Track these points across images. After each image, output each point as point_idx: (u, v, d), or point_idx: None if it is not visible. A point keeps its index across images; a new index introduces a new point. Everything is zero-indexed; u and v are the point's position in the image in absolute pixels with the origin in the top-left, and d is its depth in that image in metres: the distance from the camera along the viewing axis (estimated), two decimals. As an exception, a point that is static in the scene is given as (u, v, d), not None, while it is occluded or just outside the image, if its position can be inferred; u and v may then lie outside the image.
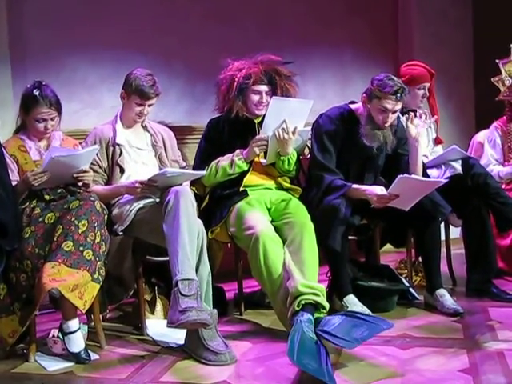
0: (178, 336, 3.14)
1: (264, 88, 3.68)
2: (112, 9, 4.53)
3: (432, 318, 3.50)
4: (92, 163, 3.35)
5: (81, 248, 2.99)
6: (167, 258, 3.06)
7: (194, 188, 3.62)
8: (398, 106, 3.53)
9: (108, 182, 3.51)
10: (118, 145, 3.52)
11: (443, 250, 3.87)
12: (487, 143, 4.48)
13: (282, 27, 5.18)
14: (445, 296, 3.59)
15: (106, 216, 3.20)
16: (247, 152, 3.60)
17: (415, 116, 3.75)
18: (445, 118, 5.11)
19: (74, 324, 3.03)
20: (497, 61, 4.48)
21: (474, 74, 5.96)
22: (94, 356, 3.06)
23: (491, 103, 4.56)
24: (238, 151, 3.62)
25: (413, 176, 3.47)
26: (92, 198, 3.12)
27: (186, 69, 4.83)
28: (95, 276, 3.02)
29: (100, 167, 3.49)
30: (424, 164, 3.80)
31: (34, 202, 3.17)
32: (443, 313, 3.53)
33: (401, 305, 3.70)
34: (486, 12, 5.79)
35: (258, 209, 3.50)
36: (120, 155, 3.51)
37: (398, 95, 3.47)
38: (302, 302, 3.07)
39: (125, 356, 3.10)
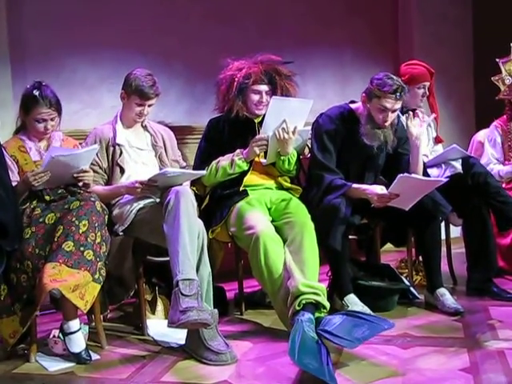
0: (179, 336, 3.14)
1: (264, 88, 3.68)
2: (112, 9, 4.53)
3: (432, 317, 3.50)
4: (92, 163, 3.36)
5: (81, 248, 2.99)
6: (168, 258, 3.06)
7: (194, 188, 3.63)
8: (398, 105, 3.53)
9: (108, 183, 3.51)
10: (118, 145, 3.52)
11: (444, 249, 3.87)
12: (487, 142, 4.48)
13: (282, 27, 5.18)
14: (445, 295, 3.59)
15: (107, 216, 3.20)
16: (247, 152, 3.60)
17: (413, 116, 3.74)
18: (445, 117, 5.11)
19: (74, 324, 3.03)
20: (497, 60, 4.48)
21: (473, 73, 5.96)
22: (94, 356, 3.06)
23: (491, 102, 4.56)
24: (238, 151, 3.62)
25: (413, 175, 3.47)
26: (92, 199, 3.12)
27: (185, 69, 4.83)
28: (96, 276, 3.02)
29: (100, 167, 3.49)
30: (424, 163, 3.80)
31: (34, 202, 3.18)
32: (444, 312, 3.53)
33: (401, 304, 3.70)
34: (485, 11, 5.79)
35: (258, 208, 3.51)
36: (120, 155, 3.51)
37: (398, 94, 3.47)
38: (303, 302, 3.08)
39: (126, 356, 3.10)
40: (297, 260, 3.24)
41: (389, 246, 4.17)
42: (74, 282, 2.91)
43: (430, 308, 3.63)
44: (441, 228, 3.74)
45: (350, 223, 3.52)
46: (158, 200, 3.35)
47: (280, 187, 3.74)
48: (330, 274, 3.66)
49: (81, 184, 3.25)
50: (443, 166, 3.99)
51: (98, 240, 3.07)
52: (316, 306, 3.11)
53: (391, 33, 5.80)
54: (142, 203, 3.39)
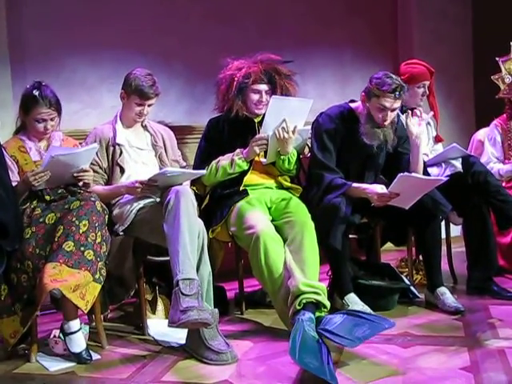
0: (180, 336, 3.14)
1: (264, 87, 3.68)
2: (112, 9, 4.53)
3: (433, 316, 3.50)
4: (92, 163, 3.36)
5: (82, 248, 2.99)
6: (168, 258, 3.06)
7: (194, 188, 3.63)
8: (397, 104, 3.53)
9: (108, 182, 3.51)
10: (118, 145, 3.52)
11: (444, 248, 3.87)
12: (487, 141, 4.48)
13: (282, 27, 5.18)
14: (446, 294, 3.60)
15: (107, 216, 3.20)
16: (247, 151, 3.60)
17: (412, 114, 3.74)
18: (445, 116, 5.11)
19: (74, 324, 3.03)
20: (497, 59, 4.48)
21: (473, 72, 5.96)
22: (95, 356, 3.06)
23: (491, 101, 4.56)
24: (238, 150, 3.62)
25: (413, 174, 3.47)
26: (93, 199, 3.12)
27: (185, 69, 4.83)
28: (96, 276, 3.02)
29: (100, 167, 3.49)
30: (424, 162, 3.80)
31: (34, 202, 3.18)
32: (444, 311, 3.53)
33: (402, 303, 3.70)
34: (485, 10, 5.79)
35: (258, 208, 3.51)
36: (120, 155, 3.51)
37: (397, 93, 3.47)
38: (303, 301, 3.08)
39: (126, 356, 3.11)
40: (297, 259, 3.24)
41: (389, 245, 4.17)
42: (75, 281, 2.91)
43: (431, 307, 3.63)
44: (441, 227, 3.74)
45: (350, 222, 3.52)
46: (158, 200, 3.35)
47: (280, 187, 3.74)
48: (330, 273, 3.66)
49: (81, 184, 3.25)
50: (443, 164, 3.99)
51: (99, 240, 3.07)
52: (316, 306, 3.12)
53: (391, 32, 5.80)
54: (142, 203, 3.39)
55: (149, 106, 3.52)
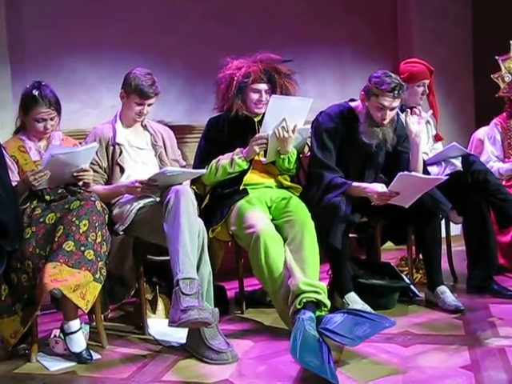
0: (180, 335, 3.14)
1: (263, 86, 3.68)
2: (111, 9, 4.53)
3: (433, 314, 3.50)
4: (92, 163, 3.36)
5: (82, 248, 2.99)
6: (168, 258, 3.06)
7: (194, 187, 3.63)
8: (396, 103, 3.52)
9: (108, 182, 3.51)
10: (118, 144, 3.52)
11: (444, 246, 3.87)
12: (487, 140, 4.48)
13: (282, 26, 5.18)
14: (446, 293, 3.60)
15: (107, 216, 3.20)
16: (247, 150, 3.60)
17: (411, 113, 3.73)
18: (444, 115, 5.12)
19: (74, 324, 3.03)
20: (496, 57, 4.48)
21: (473, 71, 5.96)
22: (95, 356, 3.06)
23: (491, 100, 4.56)
24: (237, 150, 3.62)
25: (413, 173, 3.47)
26: (93, 198, 3.12)
27: (185, 68, 4.83)
28: (97, 276, 3.02)
29: (100, 167, 3.49)
30: (424, 161, 3.80)
31: (34, 202, 3.18)
32: (444, 310, 3.53)
33: (402, 302, 3.70)
34: (485, 9, 5.79)
35: (258, 207, 3.51)
36: (120, 155, 3.51)
37: (396, 92, 3.47)
38: (304, 300, 3.08)
39: (126, 355, 3.11)
40: (297, 258, 3.24)
41: (389, 244, 4.17)
42: (75, 281, 2.91)
43: (431, 306, 3.63)
44: (441, 226, 3.74)
45: (350, 221, 3.52)
46: (158, 199, 3.35)
47: (280, 186, 3.74)
48: (330, 272, 3.66)
49: (81, 183, 3.25)
50: (443, 163, 3.99)
51: (99, 240, 3.07)
52: (317, 305, 3.12)
53: (390, 31, 5.80)
54: (142, 202, 3.39)
55: (148, 105, 3.52)
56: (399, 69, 4.16)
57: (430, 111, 4.03)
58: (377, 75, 3.52)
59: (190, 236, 3.02)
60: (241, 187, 3.63)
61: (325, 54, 5.47)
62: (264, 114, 3.63)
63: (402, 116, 3.76)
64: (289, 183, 3.76)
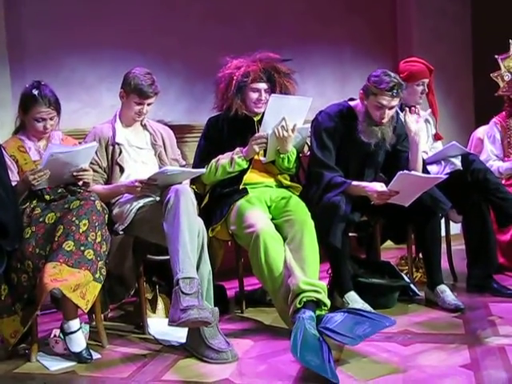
0: (180, 334, 3.14)
1: (263, 86, 3.68)
2: (111, 8, 4.53)
3: (433, 313, 3.50)
4: (91, 162, 3.36)
5: (82, 248, 2.99)
6: (168, 257, 3.06)
7: (194, 186, 3.63)
8: (395, 102, 3.52)
9: (108, 182, 3.51)
10: (118, 144, 3.52)
11: (443, 245, 3.87)
12: (487, 139, 4.48)
13: (282, 26, 5.18)
14: (446, 292, 3.60)
15: (107, 215, 3.20)
16: (247, 150, 3.61)
17: (410, 112, 3.73)
18: (444, 114, 5.12)
19: (74, 324, 3.03)
20: (496, 56, 4.48)
21: (473, 70, 5.96)
22: (95, 355, 3.06)
23: (490, 99, 4.56)
24: (237, 149, 3.62)
25: (413, 172, 3.47)
26: (92, 198, 3.12)
27: (185, 68, 4.83)
28: (97, 276, 3.02)
29: (100, 166, 3.49)
30: (424, 160, 3.80)
31: (34, 202, 3.18)
32: (444, 309, 3.53)
33: (402, 301, 3.70)
34: (484, 7, 5.79)
35: (258, 207, 3.51)
36: (120, 154, 3.51)
37: (394, 91, 3.46)
38: (304, 300, 3.08)
39: (126, 355, 3.11)
40: (297, 258, 3.24)
41: (389, 243, 4.17)
42: (75, 281, 2.91)
43: (431, 305, 3.63)
44: (441, 225, 3.74)
45: (350, 221, 3.52)
46: (157, 199, 3.35)
47: (280, 185, 3.74)
48: (330, 271, 3.66)
49: (80, 183, 3.25)
50: (443, 162, 3.99)
51: (99, 239, 3.07)
52: (317, 304, 3.12)
53: (390, 30, 5.80)
54: (141, 202, 3.39)
55: (148, 104, 3.52)
56: (399, 68, 4.15)
57: (429, 110, 4.03)
58: (376, 74, 3.52)
59: (190, 235, 3.02)
60: (240, 186, 3.63)
61: (324, 53, 5.47)
62: (263, 113, 3.63)
63: (402, 115, 3.76)
64: (288, 182, 3.76)
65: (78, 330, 3.03)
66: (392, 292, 3.66)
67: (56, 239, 2.99)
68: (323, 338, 2.87)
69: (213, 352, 2.94)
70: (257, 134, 3.61)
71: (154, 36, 4.61)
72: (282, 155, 3.63)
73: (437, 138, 4.32)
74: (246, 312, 3.68)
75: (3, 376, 2.91)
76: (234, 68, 3.69)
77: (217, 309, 3.03)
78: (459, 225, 4.17)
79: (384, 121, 3.55)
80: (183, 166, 3.71)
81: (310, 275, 3.18)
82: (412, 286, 3.79)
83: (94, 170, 3.41)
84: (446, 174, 3.80)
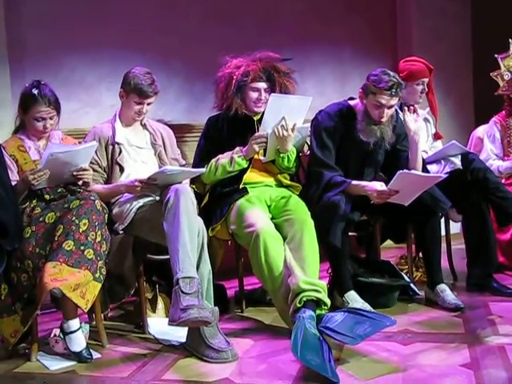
0: (180, 334, 3.14)
1: (262, 85, 3.68)
2: (110, 8, 4.52)
3: (433, 313, 3.50)
4: (91, 162, 3.36)
5: (82, 247, 2.99)
6: (168, 257, 3.06)
7: (193, 186, 3.63)
8: (394, 101, 3.52)
9: (108, 181, 3.51)
10: (118, 143, 3.52)
11: (443, 245, 3.86)
12: (486, 138, 4.48)
13: (282, 25, 5.17)
14: (445, 291, 3.60)
15: (107, 215, 3.20)
16: (246, 149, 3.61)
17: (408, 111, 3.73)
18: (444, 113, 5.12)
19: (74, 323, 3.03)
20: (496, 55, 4.48)
21: (472, 69, 5.97)
22: (95, 355, 3.06)
23: (490, 98, 4.57)
24: (237, 149, 3.62)
25: (412, 171, 3.47)
26: (92, 197, 3.12)
27: (184, 67, 4.83)
28: (96, 275, 3.02)
29: (99, 166, 3.49)
30: (424, 159, 3.80)
31: (34, 201, 3.18)
32: (444, 308, 3.53)
33: (402, 300, 3.70)
34: (484, 7, 5.80)
35: (258, 206, 3.51)
36: (119, 154, 3.51)
37: (393, 90, 3.46)
38: (304, 299, 3.08)
39: (127, 354, 3.11)
40: (297, 257, 3.24)
41: (389, 242, 4.17)
42: (75, 281, 2.91)
43: (431, 304, 3.63)
44: (440, 224, 3.74)
45: (350, 220, 3.52)
46: (157, 198, 3.35)
47: (280, 184, 3.74)
48: (330, 270, 3.66)
49: (80, 183, 3.25)
50: (442, 162, 4.00)
51: (99, 239, 3.07)
52: (317, 303, 3.12)
53: (390, 30, 5.80)
54: (141, 201, 3.39)
55: (148, 104, 3.52)
56: (398, 67, 4.15)
57: (428, 108, 4.03)
58: (375, 73, 3.52)
59: (190, 235, 3.02)
60: (240, 186, 3.63)
61: (324, 52, 5.48)
62: (263, 112, 3.63)
63: (402, 114, 3.76)
64: (288, 182, 3.76)
65: (78, 329, 3.03)
66: (392, 291, 3.66)
67: (56, 239, 2.99)
68: (323, 338, 2.87)
69: (213, 351, 2.94)
70: (257, 134, 3.61)
71: (154, 36, 4.61)
72: (281, 154, 3.63)
73: (437, 137, 4.32)
74: (245, 311, 3.68)
75: (3, 376, 2.91)
76: (233, 67, 3.69)
77: (217, 308, 3.03)
78: (459, 224, 4.17)
79: (383, 120, 3.55)
80: (183, 166, 3.71)
81: (309, 274, 3.18)
82: (412, 285, 3.79)
83: (94, 170, 3.41)
84: (446, 173, 3.80)
